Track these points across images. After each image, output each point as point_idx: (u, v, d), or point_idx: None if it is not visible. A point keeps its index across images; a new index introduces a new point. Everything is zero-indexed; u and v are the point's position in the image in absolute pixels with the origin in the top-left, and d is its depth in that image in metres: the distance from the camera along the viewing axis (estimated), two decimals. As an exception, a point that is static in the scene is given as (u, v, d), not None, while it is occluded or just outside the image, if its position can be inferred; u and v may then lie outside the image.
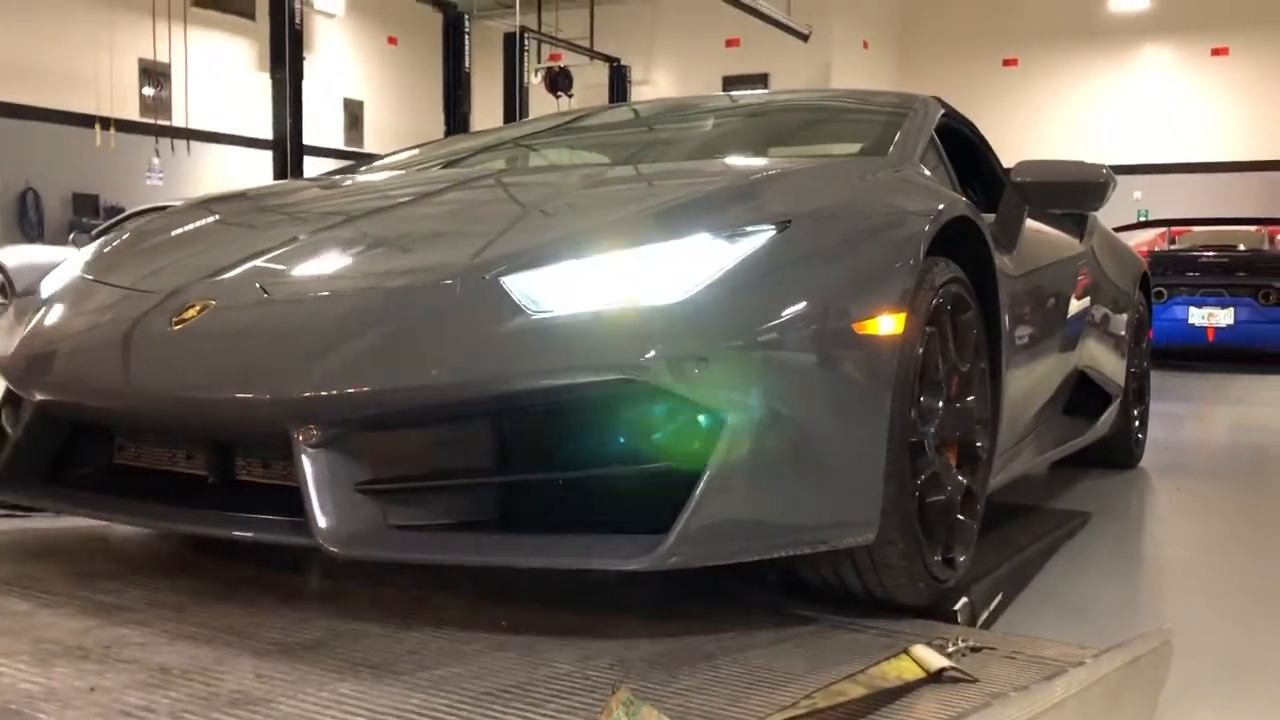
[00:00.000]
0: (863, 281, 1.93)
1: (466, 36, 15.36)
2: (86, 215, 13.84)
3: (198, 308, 1.91)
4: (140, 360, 1.90)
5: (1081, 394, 3.61)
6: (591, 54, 18.31)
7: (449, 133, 15.15)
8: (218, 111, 16.08)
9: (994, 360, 2.41)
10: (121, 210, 11.95)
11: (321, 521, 1.68)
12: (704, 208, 2.01)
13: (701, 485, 1.65)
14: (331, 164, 17.98)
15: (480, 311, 1.75)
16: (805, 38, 16.92)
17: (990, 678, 1.63)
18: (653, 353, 1.67)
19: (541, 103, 18.18)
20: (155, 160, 14.83)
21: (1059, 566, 2.81)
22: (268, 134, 12.84)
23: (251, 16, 16.21)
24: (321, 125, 18.01)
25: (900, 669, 1.49)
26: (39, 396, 1.99)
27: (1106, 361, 3.82)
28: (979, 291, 2.31)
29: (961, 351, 2.21)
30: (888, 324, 1.89)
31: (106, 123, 14.48)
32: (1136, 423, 4.33)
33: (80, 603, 1.90)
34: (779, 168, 2.39)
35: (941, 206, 2.18)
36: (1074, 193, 2.95)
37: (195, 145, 15.03)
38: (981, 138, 3.39)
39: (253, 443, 1.87)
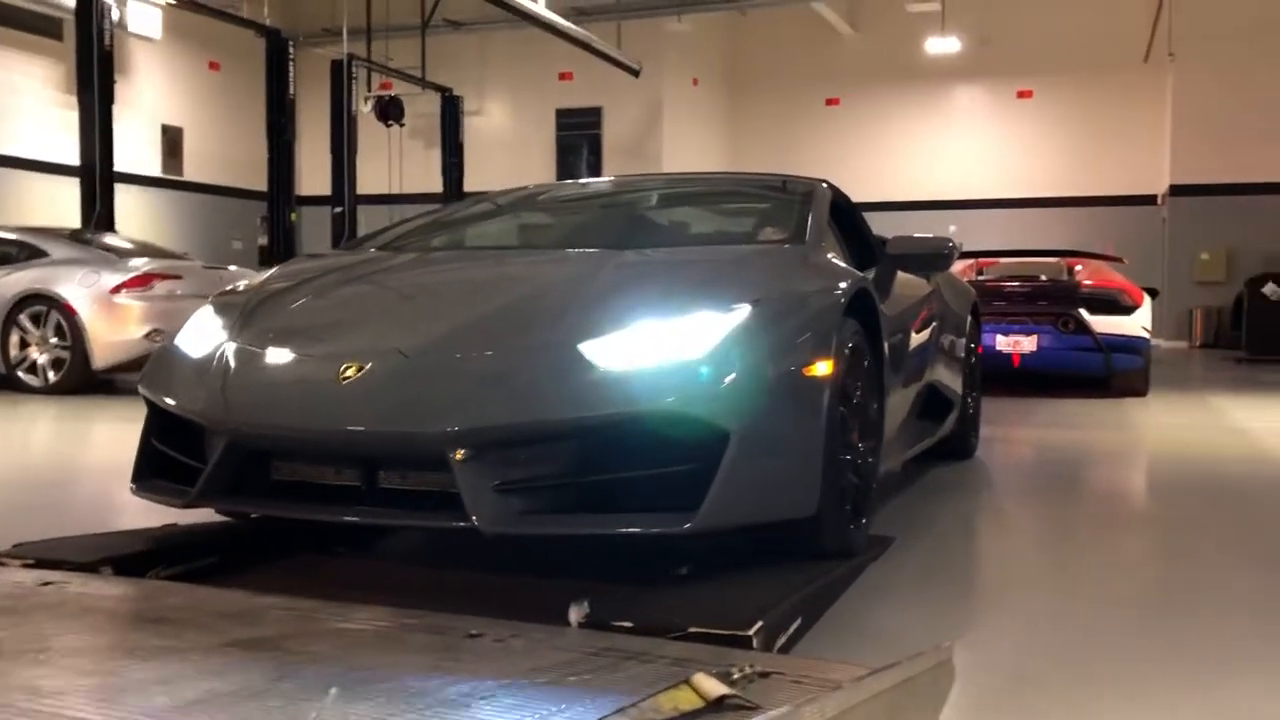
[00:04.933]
0: (805, 339, 2.79)
1: (291, 63, 14.95)
2: None
3: (355, 367, 2.62)
4: (321, 407, 2.62)
5: (931, 402, 4.53)
6: (423, 83, 18.10)
7: (271, 160, 14.69)
8: (20, 136, 15.17)
9: (880, 384, 3.35)
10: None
11: (472, 510, 2.41)
12: (705, 291, 2.85)
13: (718, 477, 2.46)
14: (145, 193, 17.21)
15: (566, 369, 2.56)
16: (636, 73, 17.17)
17: (774, 703, 1.60)
18: (683, 391, 2.50)
19: (373, 131, 17.86)
20: (-51, 187, 13.87)
21: (862, 589, 2.84)
22: (76, 160, 12.18)
23: (58, 37, 15.39)
24: (138, 152, 17.23)
25: (677, 699, 1.46)
26: (234, 434, 2.64)
27: (949, 376, 4.75)
28: (869, 333, 3.20)
29: (862, 381, 3.11)
30: (822, 368, 2.76)
31: (-108, 146, 13.47)
32: (972, 424, 5.29)
33: None
34: (748, 258, 3.36)
35: (848, 284, 3.09)
36: (930, 260, 3.98)
37: (-5, 171, 14.13)
38: (852, 204, 4.17)
39: (401, 461, 2.56)
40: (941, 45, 18.26)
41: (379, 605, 2.26)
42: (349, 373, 2.60)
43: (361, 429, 2.54)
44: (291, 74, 15.03)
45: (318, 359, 2.76)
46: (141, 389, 2.98)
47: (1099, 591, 3.04)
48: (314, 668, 1.75)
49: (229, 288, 3.41)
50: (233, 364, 2.81)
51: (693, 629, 2.10)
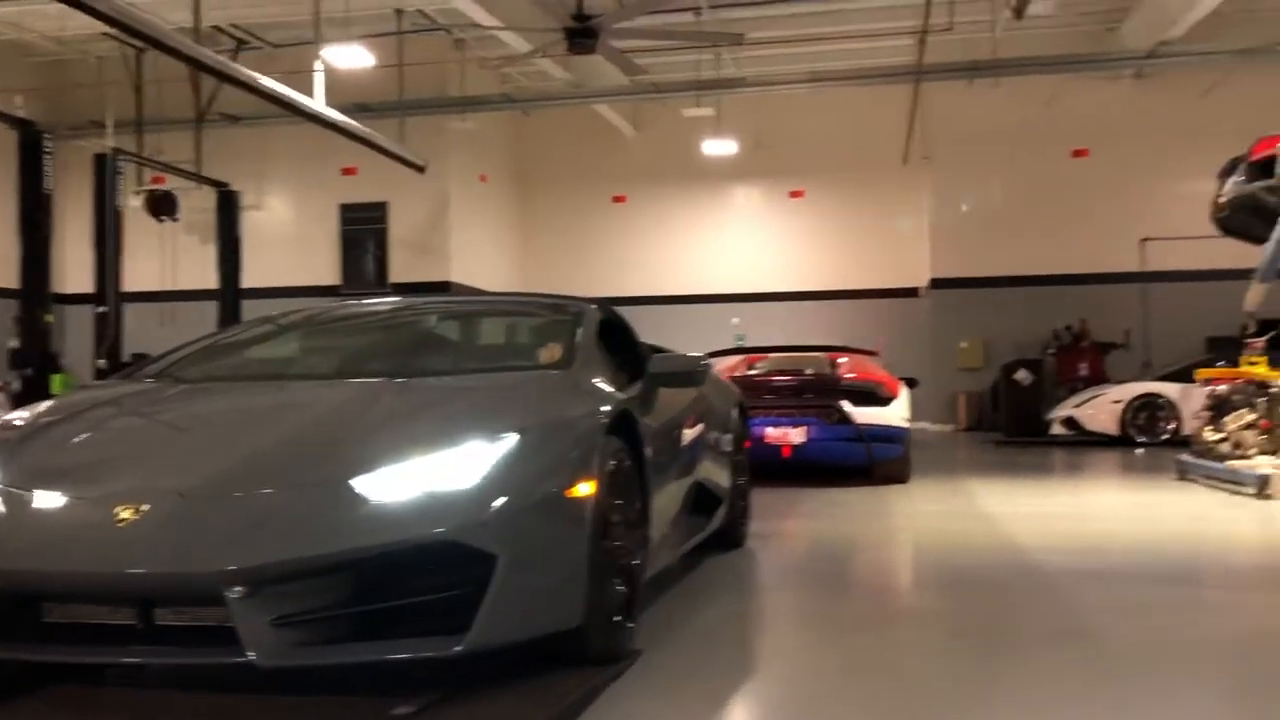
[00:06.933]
0: (568, 462, 3.02)
1: (47, 156, 14.12)
2: None
3: (132, 509, 2.67)
4: (98, 550, 2.64)
5: (701, 499, 4.76)
6: (198, 178, 17.47)
7: (25, 258, 13.78)
8: None
9: (644, 492, 3.57)
10: None
11: (249, 646, 2.52)
12: (475, 421, 3.05)
13: (486, 599, 2.66)
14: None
15: (341, 503, 2.72)
16: (422, 170, 17.10)
17: None
18: (452, 520, 2.69)
19: (144, 226, 17.04)
20: None
21: (598, 715, 2.79)
22: None
23: None
24: None
25: None
26: (6, 579, 2.64)
27: (717, 473, 5.02)
28: (632, 447, 3.43)
29: (626, 494, 3.36)
30: (585, 488, 3.00)
31: None
32: (741, 515, 5.58)
33: None
34: (517, 386, 3.58)
35: (609, 407, 3.36)
36: (686, 377, 4.29)
37: None
38: (623, 320, 4.49)
39: (178, 599, 2.61)
40: (718, 147, 19.02)
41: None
42: (125, 515, 2.65)
43: (141, 571, 2.58)
44: (49, 167, 14.19)
45: (92, 501, 2.77)
46: None
47: (844, 706, 3.09)
48: None
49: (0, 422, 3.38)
50: (2, 507, 2.81)
51: (397, 782, 2.00)
